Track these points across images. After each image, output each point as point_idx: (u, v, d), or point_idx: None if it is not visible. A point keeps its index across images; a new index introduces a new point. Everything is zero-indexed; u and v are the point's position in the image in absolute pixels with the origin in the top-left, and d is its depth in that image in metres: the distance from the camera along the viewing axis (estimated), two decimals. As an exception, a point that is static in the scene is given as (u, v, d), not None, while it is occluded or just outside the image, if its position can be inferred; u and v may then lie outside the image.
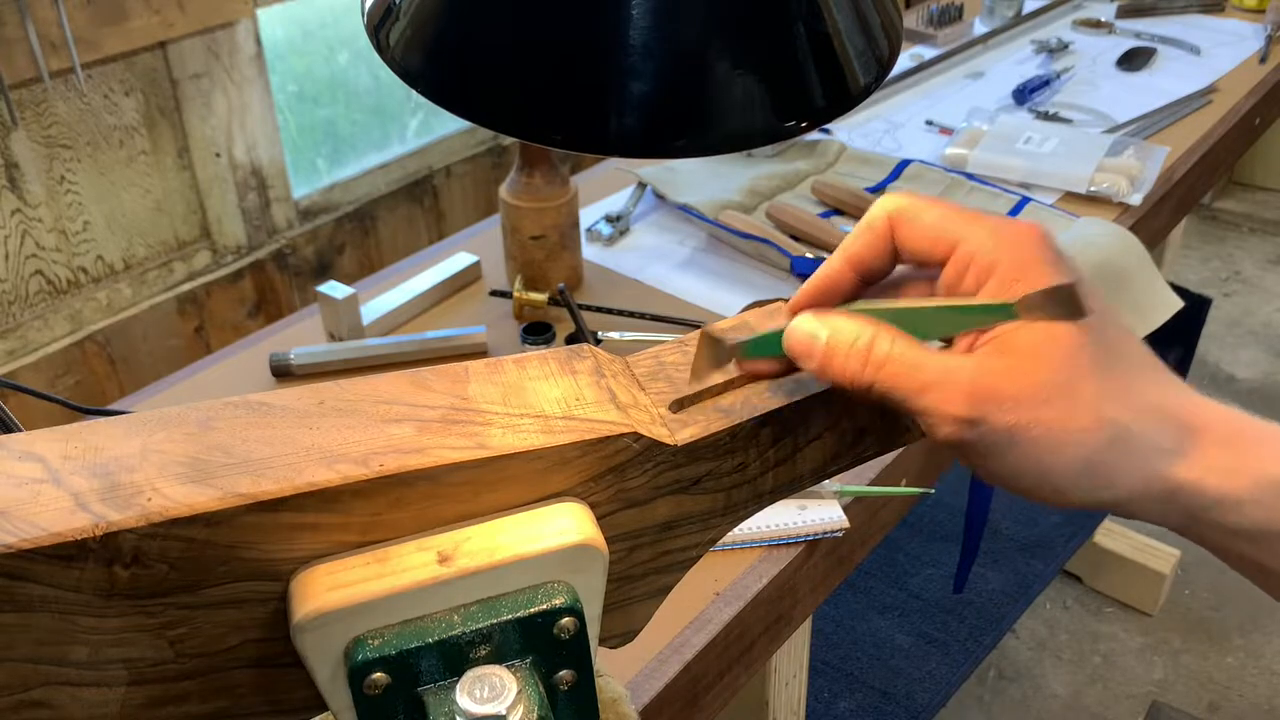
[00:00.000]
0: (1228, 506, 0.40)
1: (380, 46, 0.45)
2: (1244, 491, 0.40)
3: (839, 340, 0.42)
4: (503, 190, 1.17)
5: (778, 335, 0.45)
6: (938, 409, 0.40)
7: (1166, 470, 0.40)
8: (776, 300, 0.54)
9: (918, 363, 0.40)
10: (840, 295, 0.45)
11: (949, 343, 0.43)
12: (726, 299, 1.20)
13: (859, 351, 0.41)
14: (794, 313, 0.45)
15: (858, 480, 0.94)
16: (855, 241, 0.44)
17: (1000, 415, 0.38)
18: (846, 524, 0.89)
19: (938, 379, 0.39)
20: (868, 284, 0.45)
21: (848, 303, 0.45)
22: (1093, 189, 1.36)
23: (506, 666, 0.40)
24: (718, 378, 0.46)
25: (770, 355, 0.46)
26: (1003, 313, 0.40)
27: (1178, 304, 1.28)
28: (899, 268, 0.45)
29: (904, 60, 1.76)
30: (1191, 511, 0.41)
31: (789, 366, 0.46)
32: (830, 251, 1.24)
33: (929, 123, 1.59)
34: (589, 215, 1.35)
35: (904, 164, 1.43)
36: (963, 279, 0.42)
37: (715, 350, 0.46)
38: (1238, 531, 0.41)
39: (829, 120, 0.46)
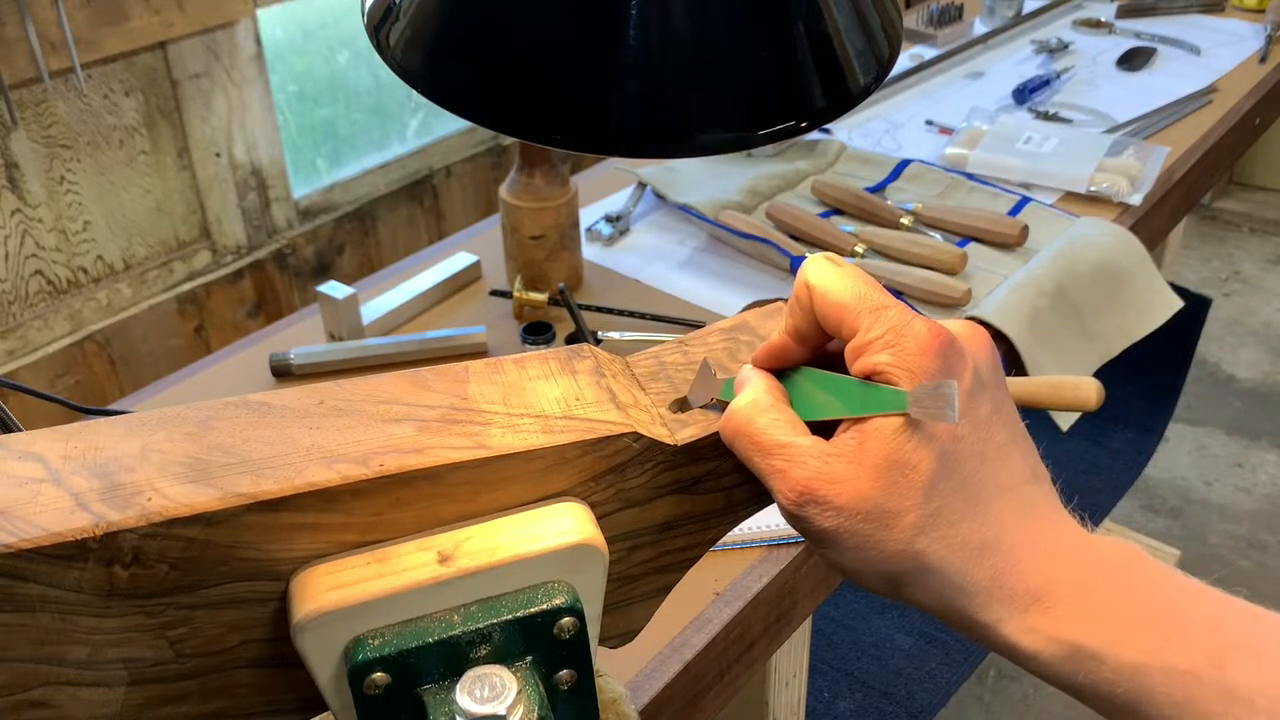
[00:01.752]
0: (1024, 656, 0.42)
1: (380, 46, 0.45)
2: (1039, 649, 0.41)
3: (737, 401, 0.45)
4: (503, 190, 1.17)
5: (731, 382, 0.47)
6: (774, 491, 0.43)
7: (965, 610, 0.42)
8: (776, 300, 0.54)
9: (770, 445, 0.43)
10: (787, 360, 0.46)
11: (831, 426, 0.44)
12: (726, 299, 1.20)
13: (730, 412, 0.44)
14: (755, 364, 0.47)
15: (858, 480, 0.94)
16: (790, 314, 0.45)
17: (821, 517, 0.41)
18: (846, 524, 0.89)
19: (781, 468, 0.42)
20: (814, 350, 0.46)
21: (797, 366, 0.46)
22: (1093, 189, 1.36)
23: (506, 666, 0.40)
24: (707, 404, 0.48)
25: (730, 399, 0.47)
26: (897, 400, 0.40)
27: (1178, 304, 1.28)
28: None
29: (904, 60, 1.76)
30: (990, 645, 0.43)
31: None
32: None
33: (929, 123, 1.59)
34: (589, 215, 1.35)
35: (904, 164, 1.43)
36: (854, 364, 0.43)
37: (707, 381, 0.47)
38: (1036, 672, 0.42)
39: (829, 120, 0.46)
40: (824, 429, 0.43)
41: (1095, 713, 0.43)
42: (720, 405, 0.47)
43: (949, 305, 1.16)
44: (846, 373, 0.44)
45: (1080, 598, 0.41)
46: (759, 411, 0.43)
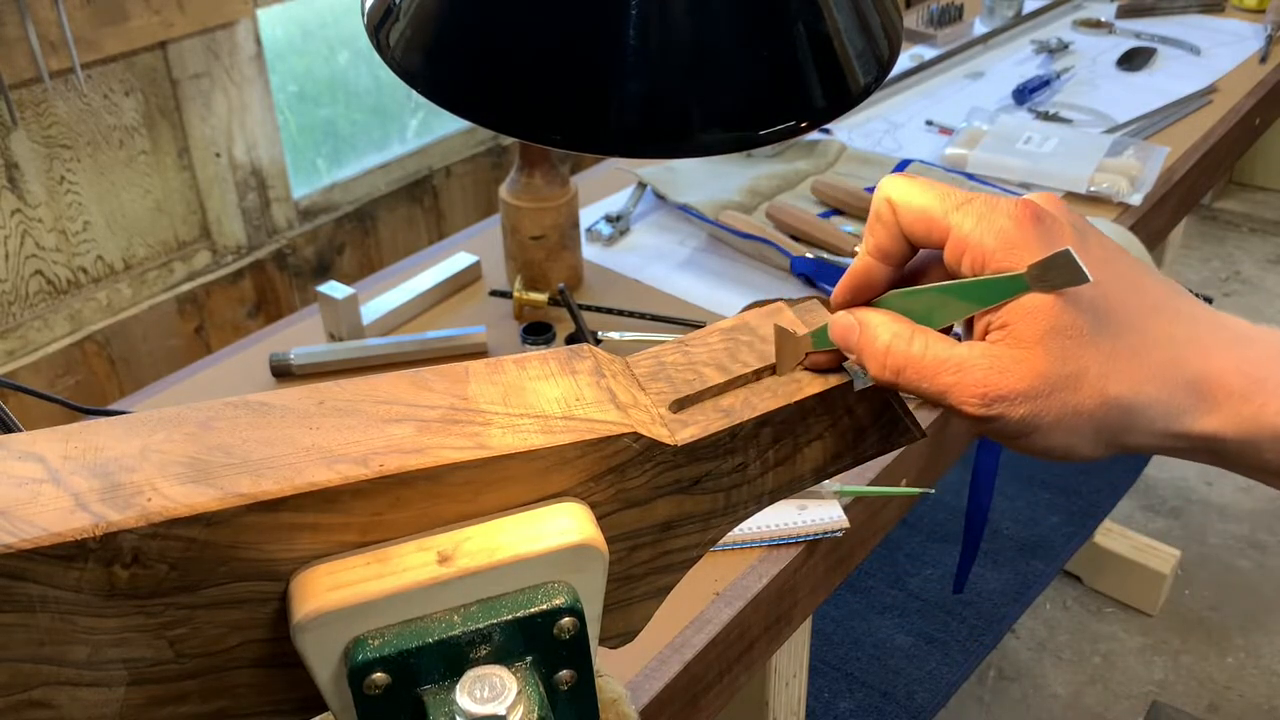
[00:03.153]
0: (1249, 451, 0.42)
1: (380, 46, 0.45)
2: (1264, 440, 0.42)
3: (867, 341, 0.45)
4: (503, 190, 1.17)
5: (824, 330, 0.47)
6: (958, 406, 0.43)
7: (1181, 428, 0.43)
8: (777, 300, 0.54)
9: (935, 365, 0.43)
10: (874, 287, 0.47)
11: (969, 328, 0.45)
12: (726, 299, 1.20)
13: (879, 354, 0.44)
14: (836, 307, 0.47)
15: (858, 480, 0.94)
16: (871, 233, 0.46)
17: (1012, 409, 0.41)
18: (846, 524, 0.89)
19: (954, 381, 0.42)
20: (899, 268, 0.46)
21: (883, 291, 0.47)
22: (1093, 189, 1.36)
23: (506, 666, 0.40)
24: (797, 368, 0.48)
25: (827, 348, 0.47)
26: (1016, 284, 0.41)
27: (1178, 304, 1.28)
28: (922, 251, 0.46)
29: (904, 60, 1.76)
30: (1214, 453, 0.43)
31: (842, 357, 0.47)
32: (830, 251, 1.24)
33: (929, 123, 1.59)
34: (589, 215, 1.35)
35: (904, 164, 1.43)
36: (960, 264, 0.43)
37: (790, 343, 0.47)
38: (1263, 467, 0.43)
39: (829, 120, 0.46)
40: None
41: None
42: (816, 362, 0.47)
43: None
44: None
45: None
46: (907, 340, 0.44)
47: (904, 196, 0.44)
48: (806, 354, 0.47)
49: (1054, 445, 0.43)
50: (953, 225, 0.43)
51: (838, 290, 0.47)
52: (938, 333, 0.44)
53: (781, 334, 0.48)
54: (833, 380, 0.47)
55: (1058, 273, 0.40)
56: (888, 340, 0.44)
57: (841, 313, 0.47)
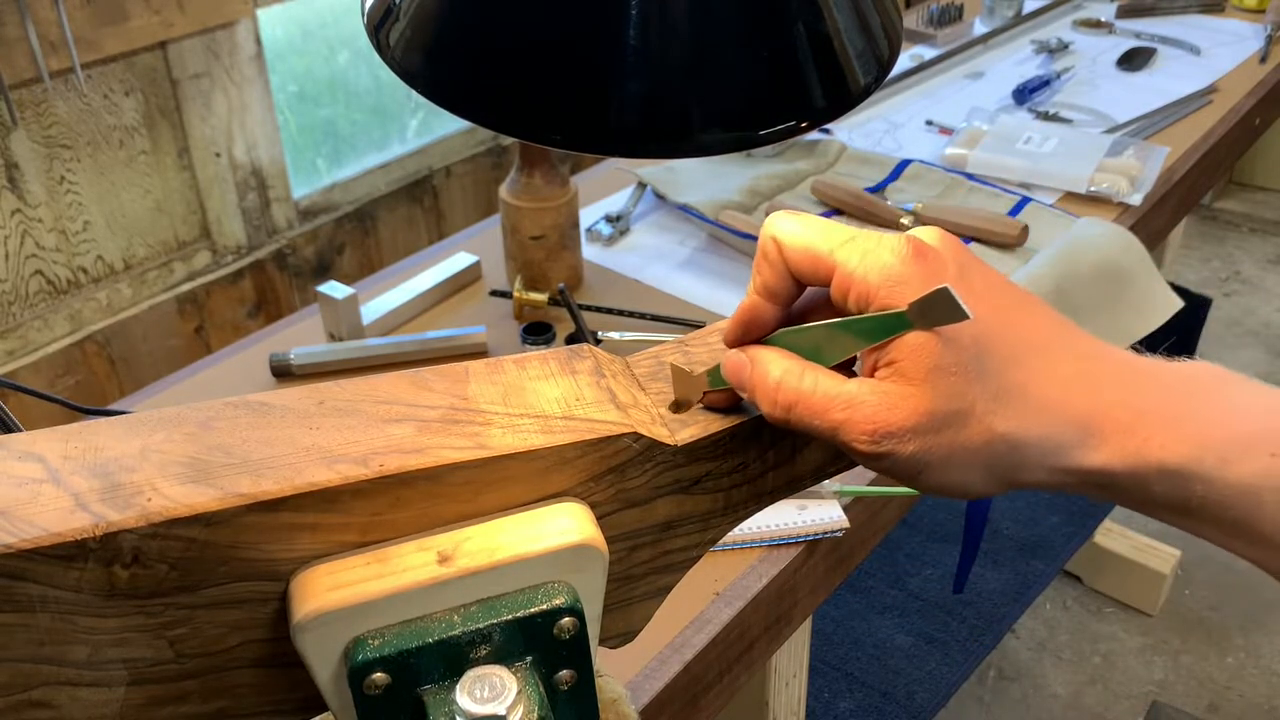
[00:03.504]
0: (1138, 486, 0.42)
1: (380, 46, 0.45)
2: (1150, 475, 0.42)
3: (759, 378, 0.44)
4: (503, 190, 1.17)
5: (719, 368, 0.46)
6: (849, 443, 0.42)
7: (1070, 464, 0.42)
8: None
9: (825, 402, 0.42)
10: (763, 325, 0.46)
11: (851, 366, 0.45)
12: (726, 299, 1.20)
13: (770, 391, 0.44)
14: (728, 345, 0.47)
15: (858, 480, 0.94)
16: (758, 272, 0.45)
17: (901, 446, 0.41)
18: (846, 524, 0.89)
19: (844, 418, 0.42)
20: (787, 307, 0.46)
21: (772, 330, 0.46)
22: (1093, 189, 1.36)
23: (506, 666, 0.40)
24: (696, 406, 0.47)
25: (723, 387, 0.47)
26: (899, 321, 0.41)
27: (1178, 304, 1.28)
28: (809, 289, 0.46)
29: (904, 60, 1.76)
30: (1105, 489, 0.43)
31: (738, 396, 0.47)
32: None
33: (929, 123, 1.59)
34: (589, 215, 1.35)
35: (904, 164, 1.43)
36: (845, 301, 0.43)
37: (687, 382, 0.47)
38: (1152, 501, 0.43)
39: (829, 120, 0.46)
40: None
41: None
42: (713, 401, 0.47)
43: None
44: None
45: (1174, 422, 0.42)
46: (796, 376, 0.43)
47: (789, 235, 0.44)
48: (704, 393, 0.47)
49: (948, 482, 0.43)
50: (838, 262, 0.42)
51: (727, 329, 0.47)
52: (828, 369, 0.44)
53: (678, 373, 0.47)
54: (737, 418, 0.47)
55: (938, 310, 0.40)
56: (778, 376, 0.44)
57: (734, 350, 0.46)
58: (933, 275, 0.41)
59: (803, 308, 0.47)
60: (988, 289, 0.43)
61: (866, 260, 0.42)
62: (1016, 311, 0.43)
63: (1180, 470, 0.41)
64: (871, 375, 0.42)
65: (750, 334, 0.46)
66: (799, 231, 0.44)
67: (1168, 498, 0.42)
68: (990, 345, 0.42)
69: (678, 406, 0.47)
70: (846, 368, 0.45)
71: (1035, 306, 0.44)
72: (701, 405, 0.47)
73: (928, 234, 0.44)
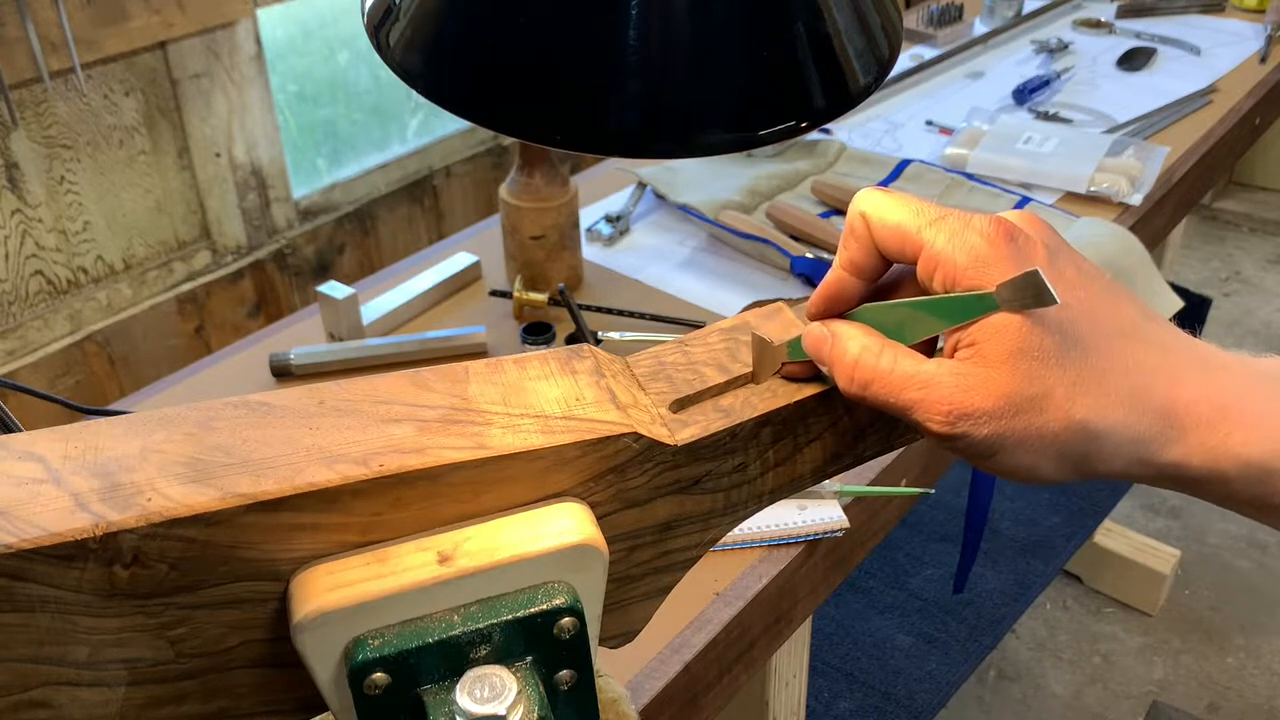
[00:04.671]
0: (1215, 483, 0.42)
1: (380, 46, 0.45)
2: (1230, 471, 0.42)
3: (838, 354, 0.45)
4: (503, 190, 1.17)
5: (799, 340, 0.47)
6: (923, 423, 0.42)
7: (1147, 455, 0.42)
8: (777, 300, 0.54)
9: (903, 380, 0.42)
10: (847, 300, 0.46)
11: (933, 345, 0.45)
12: (726, 299, 1.20)
13: (848, 367, 0.44)
14: (811, 319, 0.47)
15: (858, 480, 0.94)
16: (845, 247, 0.46)
17: (977, 428, 0.41)
18: (846, 524, 0.89)
19: (920, 397, 0.42)
20: (872, 282, 0.46)
21: (857, 305, 0.46)
22: (1093, 189, 1.36)
23: (506, 666, 0.40)
24: (774, 376, 0.48)
25: (802, 359, 0.47)
26: (985, 303, 0.41)
27: (1178, 304, 1.28)
28: (896, 265, 0.46)
29: (904, 60, 1.76)
30: (1181, 483, 0.43)
31: (816, 367, 0.47)
32: (830, 251, 1.24)
33: (929, 123, 1.59)
34: (589, 215, 1.35)
35: (904, 164, 1.43)
36: (931, 281, 0.43)
37: (767, 353, 0.47)
38: (1231, 497, 0.43)
39: (829, 120, 0.46)
40: (923, 354, 0.44)
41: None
42: (791, 371, 0.47)
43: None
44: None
45: (1256, 416, 0.42)
46: (876, 354, 0.43)
47: (878, 211, 0.44)
48: (783, 364, 0.47)
49: (1019, 466, 0.42)
50: (925, 241, 0.42)
51: (811, 302, 0.47)
52: (907, 348, 0.44)
53: (759, 343, 0.47)
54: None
55: (1026, 293, 0.40)
56: (857, 353, 0.44)
57: (815, 324, 0.46)
58: (1022, 258, 0.41)
59: (889, 283, 0.47)
60: (1078, 274, 0.43)
61: (954, 240, 0.42)
62: (1104, 299, 0.43)
63: (1261, 466, 0.41)
64: (952, 355, 0.42)
65: (834, 308, 0.46)
66: (888, 208, 0.44)
67: (1248, 493, 0.42)
68: (1075, 331, 0.42)
69: (754, 377, 0.47)
70: (929, 347, 0.45)
71: (1122, 295, 0.44)
72: (780, 375, 0.47)
73: (1018, 217, 0.44)
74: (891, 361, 0.43)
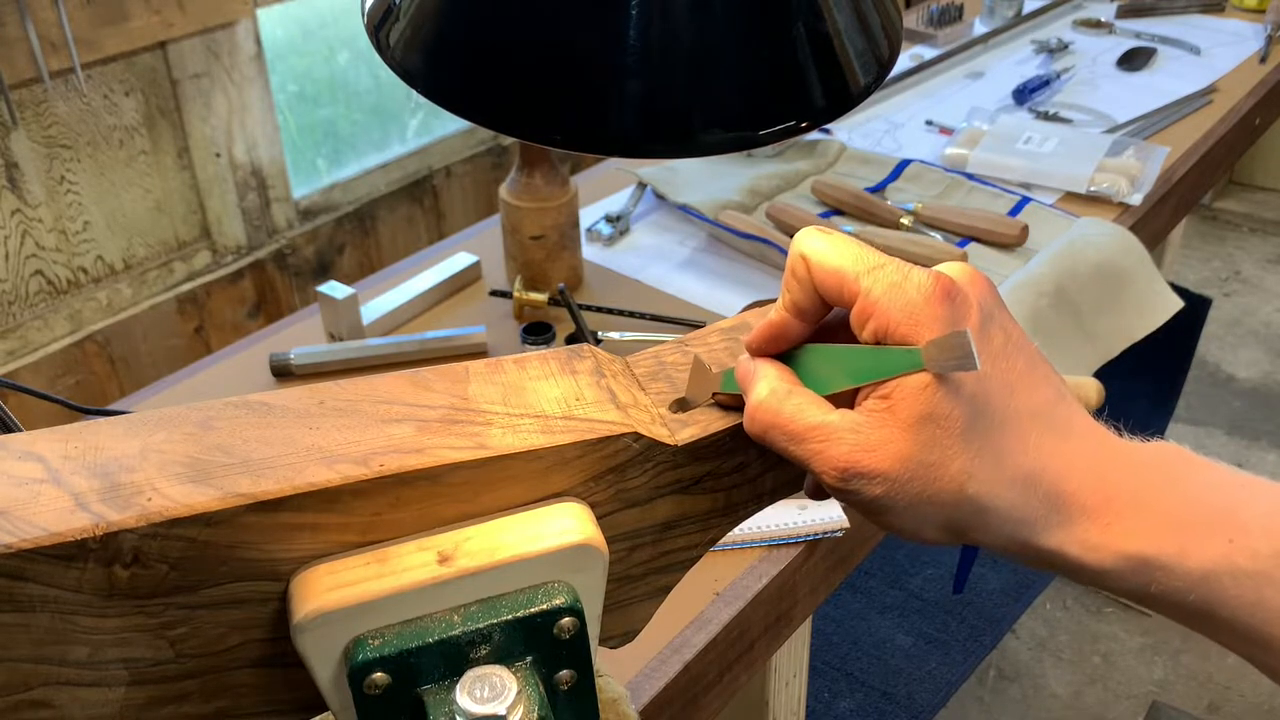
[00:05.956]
0: (1092, 574, 0.42)
1: (380, 46, 0.45)
2: (1107, 564, 0.42)
3: (747, 391, 0.45)
4: (503, 190, 1.17)
5: (731, 372, 0.47)
6: (818, 473, 0.42)
7: (1027, 539, 0.42)
8: (776, 300, 0.54)
9: (804, 430, 0.42)
10: (788, 340, 0.46)
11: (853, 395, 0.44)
12: (726, 299, 1.20)
13: (752, 408, 0.44)
14: (750, 353, 0.47)
15: (858, 480, 0.94)
16: (787, 289, 0.45)
17: (870, 487, 0.41)
18: (846, 524, 0.89)
19: (818, 450, 0.42)
20: (813, 324, 0.46)
21: (799, 344, 0.46)
22: (1093, 189, 1.36)
23: (506, 666, 0.40)
24: (707, 402, 0.48)
25: (734, 390, 0.47)
26: (911, 358, 0.40)
27: (1178, 304, 1.28)
28: (837, 308, 0.46)
29: (904, 60, 1.76)
30: (1056, 568, 0.43)
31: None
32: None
33: (929, 123, 1.59)
34: (589, 215, 1.35)
35: (904, 164, 1.43)
36: (863, 329, 0.42)
37: (704, 378, 0.47)
38: (1107, 587, 0.43)
39: (829, 120, 0.46)
40: (843, 400, 0.43)
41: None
42: (721, 400, 0.47)
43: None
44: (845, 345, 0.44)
45: (1137, 509, 0.42)
46: (781, 399, 0.43)
47: (818, 255, 0.43)
48: (713, 394, 0.47)
49: (904, 527, 0.43)
50: (862, 289, 0.42)
51: (751, 337, 0.47)
52: (816, 396, 0.43)
53: (698, 366, 0.47)
54: (737, 417, 0.46)
55: (951, 354, 0.39)
56: (764, 396, 0.43)
57: (745, 357, 0.46)
58: (956, 319, 0.41)
59: (833, 324, 0.46)
60: (1005, 344, 0.43)
61: (891, 292, 0.41)
62: (1024, 376, 0.43)
63: (1139, 557, 0.41)
64: (862, 402, 0.42)
65: (775, 346, 0.46)
66: (827, 252, 0.43)
67: (1126, 583, 0.42)
68: (986, 404, 0.41)
69: (683, 404, 0.47)
70: (854, 393, 0.45)
71: (1041, 372, 0.44)
72: (711, 403, 0.47)
73: (959, 272, 0.43)
74: (794, 409, 0.43)
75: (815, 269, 0.43)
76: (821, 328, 0.46)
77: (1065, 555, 0.42)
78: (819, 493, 0.49)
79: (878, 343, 0.42)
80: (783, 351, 0.46)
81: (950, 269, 0.43)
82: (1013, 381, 0.42)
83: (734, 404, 0.47)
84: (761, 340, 0.46)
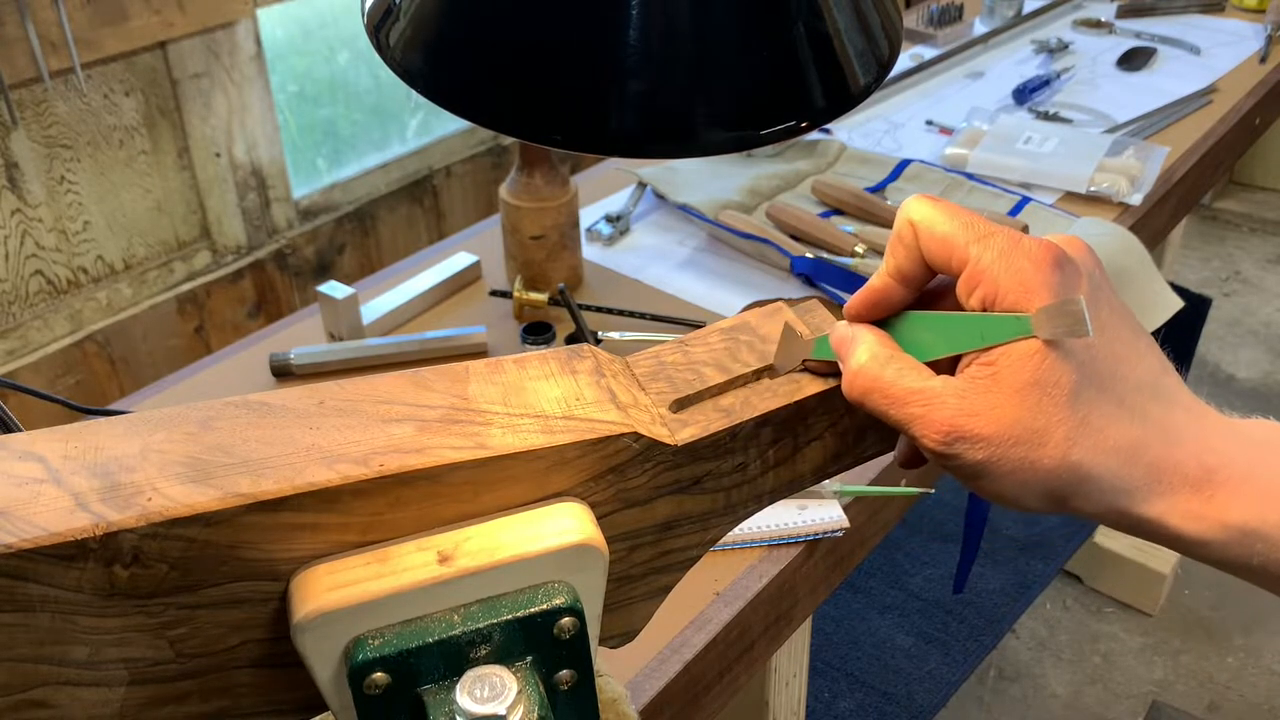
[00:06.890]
0: (1192, 544, 0.42)
1: (380, 46, 0.45)
2: (1209, 535, 0.42)
3: (846, 357, 0.45)
4: (503, 190, 1.17)
5: (826, 338, 0.47)
6: (919, 438, 0.42)
7: (1128, 507, 0.42)
8: (776, 300, 0.54)
9: (904, 394, 0.43)
10: (888, 306, 0.46)
11: (951, 363, 0.44)
12: (726, 299, 1.20)
13: (851, 373, 0.44)
14: (848, 319, 0.47)
15: (858, 480, 0.94)
16: (891, 254, 0.45)
17: (972, 451, 0.41)
18: (846, 524, 0.89)
19: (920, 413, 0.42)
20: (916, 290, 0.46)
21: (898, 311, 0.46)
22: (1093, 189, 1.36)
23: (506, 666, 0.40)
24: (796, 369, 0.48)
25: (827, 357, 0.47)
26: (1021, 326, 0.41)
27: (1178, 304, 1.28)
28: (940, 275, 0.46)
29: (904, 60, 1.76)
30: (1157, 537, 0.43)
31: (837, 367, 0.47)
32: (830, 251, 1.24)
33: (929, 123, 1.59)
34: (589, 215, 1.35)
35: (904, 164, 1.43)
36: (969, 297, 0.43)
37: (795, 345, 0.48)
38: (1206, 557, 0.43)
39: (829, 120, 0.46)
40: (941, 368, 0.43)
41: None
42: (812, 368, 0.47)
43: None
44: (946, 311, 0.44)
45: (1241, 481, 0.42)
46: (882, 364, 0.43)
47: (927, 221, 0.43)
48: (803, 360, 0.47)
49: (1002, 492, 0.42)
50: (971, 257, 0.42)
51: (851, 303, 0.47)
52: (916, 362, 0.43)
53: (789, 333, 0.48)
54: (832, 381, 0.47)
55: (1063, 321, 0.39)
56: (864, 360, 0.44)
57: (842, 324, 0.46)
58: (1066, 288, 0.41)
59: (933, 291, 0.47)
60: (1110, 314, 0.43)
61: (1001, 260, 0.41)
62: (1130, 346, 0.43)
63: (1242, 529, 0.41)
64: (964, 370, 0.42)
65: (873, 313, 0.46)
66: (937, 219, 0.43)
67: (1228, 554, 0.42)
68: (1094, 371, 0.41)
69: (773, 369, 0.47)
70: (954, 361, 0.45)
71: (1146, 345, 0.44)
72: (801, 369, 0.48)
73: (1067, 243, 0.43)
74: (896, 374, 0.43)
75: (923, 235, 0.43)
76: (921, 297, 0.46)
77: (1166, 525, 0.42)
78: (913, 461, 0.49)
79: (984, 309, 0.42)
80: (881, 319, 0.46)
81: (1058, 239, 0.43)
82: (1119, 351, 0.43)
83: (827, 371, 0.47)
84: (861, 306, 0.46)
